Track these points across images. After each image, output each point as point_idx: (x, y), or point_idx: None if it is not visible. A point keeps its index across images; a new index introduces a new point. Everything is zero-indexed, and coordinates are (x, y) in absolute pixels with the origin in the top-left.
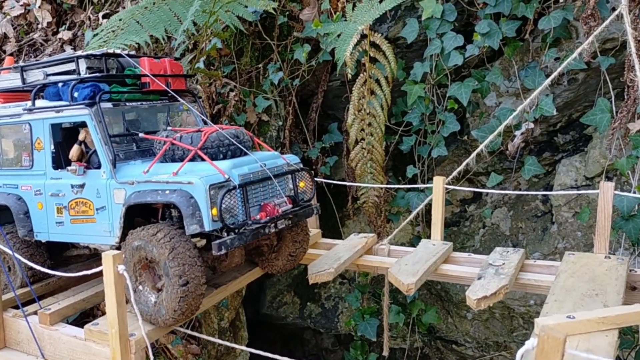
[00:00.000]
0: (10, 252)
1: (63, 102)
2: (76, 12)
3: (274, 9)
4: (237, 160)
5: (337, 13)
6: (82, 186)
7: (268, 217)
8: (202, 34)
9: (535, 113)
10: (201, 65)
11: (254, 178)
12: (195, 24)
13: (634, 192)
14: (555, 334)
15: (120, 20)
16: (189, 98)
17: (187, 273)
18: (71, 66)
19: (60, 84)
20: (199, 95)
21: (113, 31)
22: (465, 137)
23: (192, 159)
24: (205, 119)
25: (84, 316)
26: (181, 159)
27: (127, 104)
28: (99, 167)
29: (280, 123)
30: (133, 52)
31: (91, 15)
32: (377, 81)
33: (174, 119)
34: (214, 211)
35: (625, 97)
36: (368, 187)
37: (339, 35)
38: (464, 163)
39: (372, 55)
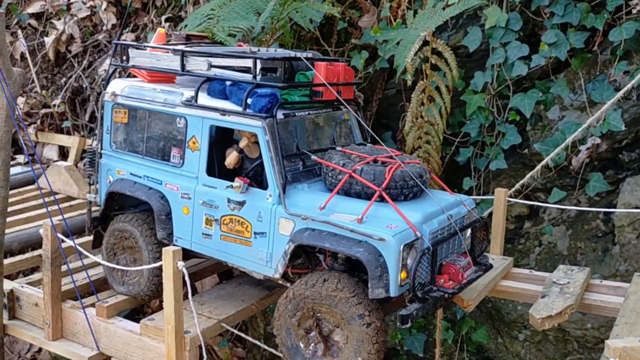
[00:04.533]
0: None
1: (231, 104)
2: (140, 15)
3: (337, 13)
4: (425, 210)
5: (397, 20)
6: (241, 204)
7: (454, 286)
8: (269, 33)
9: (602, 128)
10: None
11: (441, 235)
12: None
13: None
14: (638, 355)
15: (212, 9)
16: (353, 107)
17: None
18: (242, 62)
19: (228, 83)
20: (363, 103)
21: (210, 18)
22: (526, 151)
23: (381, 195)
24: (367, 132)
25: (134, 313)
26: (357, 195)
27: (297, 113)
28: (263, 185)
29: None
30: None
31: (154, 19)
32: (437, 89)
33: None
34: (403, 274)
35: None
36: None
37: (398, 43)
38: (527, 176)
39: (433, 62)
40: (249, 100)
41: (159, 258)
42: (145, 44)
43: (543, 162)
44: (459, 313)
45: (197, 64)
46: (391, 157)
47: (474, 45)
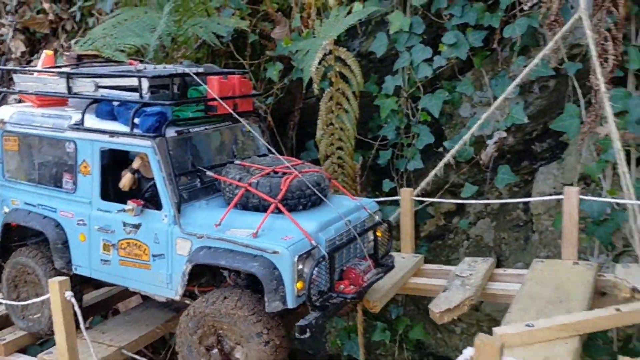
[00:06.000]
0: None
1: (119, 125)
2: (49, 40)
3: (245, 27)
4: (322, 218)
5: (307, 30)
6: (137, 226)
7: (353, 289)
8: (170, 50)
9: (506, 122)
10: None
11: (340, 241)
12: (174, 40)
13: (606, 197)
14: (492, 343)
15: (104, 29)
16: (253, 119)
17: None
18: (129, 81)
19: (115, 103)
20: (265, 114)
21: (104, 37)
22: (440, 149)
23: (277, 207)
24: (268, 145)
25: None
26: (256, 208)
27: (191, 130)
28: (157, 206)
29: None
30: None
31: (64, 43)
32: (345, 95)
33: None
34: (300, 285)
35: (593, 101)
36: None
37: (307, 52)
38: (431, 174)
39: (338, 69)
40: (137, 120)
41: None
42: (30, 68)
43: (444, 160)
44: (394, 313)
45: (84, 86)
46: (289, 168)
47: (381, 50)
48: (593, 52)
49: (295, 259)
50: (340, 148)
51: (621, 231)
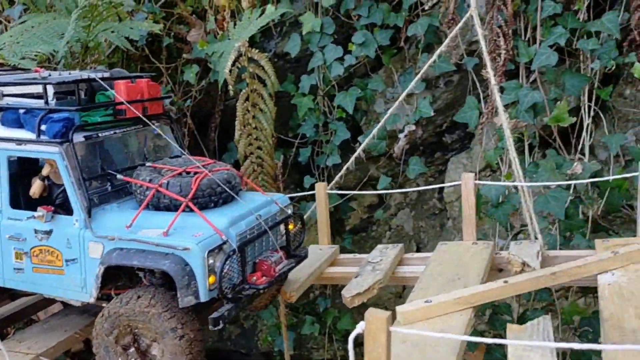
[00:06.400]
0: None
1: (26, 132)
2: None
3: (159, 30)
4: (233, 214)
5: (222, 32)
6: (48, 233)
7: (265, 280)
8: (79, 56)
9: (415, 115)
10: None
11: (251, 235)
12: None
13: (504, 181)
14: (380, 316)
15: (11, 36)
16: (164, 121)
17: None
18: (34, 89)
19: (21, 111)
20: (175, 117)
21: (10, 45)
22: (357, 144)
23: (188, 205)
24: (181, 146)
25: None
26: (167, 208)
27: (100, 134)
28: (69, 211)
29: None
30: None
31: None
32: (261, 95)
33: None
34: (212, 279)
35: (489, 93)
36: None
37: (222, 54)
38: (344, 168)
39: (252, 70)
40: (43, 127)
41: None
42: None
43: (355, 154)
44: (322, 305)
45: None
46: (199, 167)
47: (295, 50)
48: (483, 47)
49: (206, 254)
50: (259, 147)
51: (517, 212)
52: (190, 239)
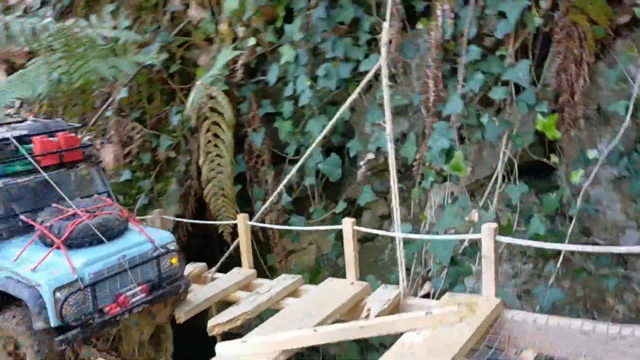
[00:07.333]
0: None
1: None
2: None
3: (165, 61)
4: (96, 255)
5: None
6: None
7: (119, 310)
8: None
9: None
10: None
11: (109, 273)
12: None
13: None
14: None
15: (7, 81)
16: (89, 163)
17: None
18: None
19: None
20: (98, 160)
21: (8, 88)
22: None
23: (59, 246)
24: (104, 183)
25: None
26: (50, 245)
27: (18, 180)
28: None
29: (189, 158)
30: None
31: None
32: (221, 127)
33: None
34: (66, 309)
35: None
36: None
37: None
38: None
39: (210, 106)
40: None
41: None
42: None
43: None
44: None
45: None
46: (88, 211)
47: (273, 78)
48: None
49: (53, 290)
50: (220, 172)
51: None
52: (45, 275)
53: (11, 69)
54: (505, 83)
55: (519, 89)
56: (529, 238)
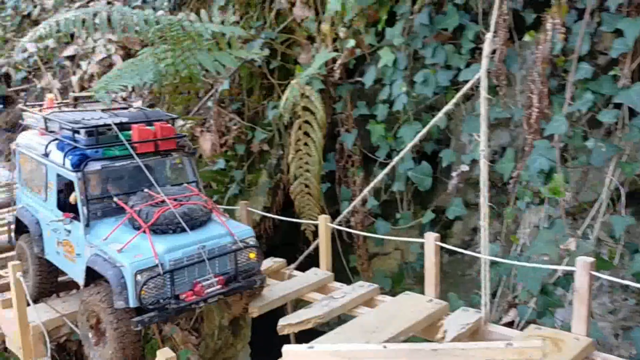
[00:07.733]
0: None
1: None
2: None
3: (266, 56)
4: (176, 242)
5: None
6: (69, 232)
7: (194, 298)
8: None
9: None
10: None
11: (188, 261)
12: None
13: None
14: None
15: (119, 69)
16: (182, 153)
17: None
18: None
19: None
20: (191, 150)
21: (119, 76)
22: None
23: (145, 230)
24: (194, 173)
25: None
26: (139, 229)
27: (116, 164)
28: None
29: (281, 152)
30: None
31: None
32: (312, 126)
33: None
34: (143, 292)
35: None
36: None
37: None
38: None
39: (303, 105)
40: (68, 159)
41: (40, 270)
42: (27, 109)
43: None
44: None
45: (55, 126)
46: (175, 199)
47: (369, 81)
48: None
49: (135, 272)
50: (307, 171)
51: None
52: (129, 258)
53: (127, 55)
54: (618, 106)
55: (632, 113)
56: (632, 274)
